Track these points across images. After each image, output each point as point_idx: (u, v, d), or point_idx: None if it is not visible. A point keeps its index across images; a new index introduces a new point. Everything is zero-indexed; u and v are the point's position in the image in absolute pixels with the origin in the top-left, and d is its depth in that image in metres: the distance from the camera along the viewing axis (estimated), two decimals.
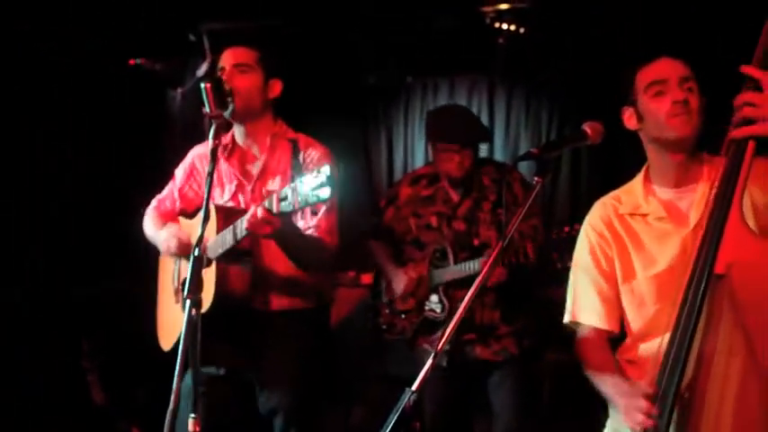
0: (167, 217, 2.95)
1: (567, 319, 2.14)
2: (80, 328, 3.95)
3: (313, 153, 2.70)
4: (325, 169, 2.05)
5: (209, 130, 2.43)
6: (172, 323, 2.82)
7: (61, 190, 4.06)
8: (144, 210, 3.00)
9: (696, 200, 1.98)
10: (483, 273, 1.90)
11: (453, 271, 3.18)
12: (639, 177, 2.10)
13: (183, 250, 2.71)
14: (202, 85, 2.47)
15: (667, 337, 1.76)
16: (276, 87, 2.76)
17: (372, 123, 5.78)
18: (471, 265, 3.13)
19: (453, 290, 3.21)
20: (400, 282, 3.35)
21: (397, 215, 3.41)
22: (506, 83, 5.40)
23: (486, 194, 3.30)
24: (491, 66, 5.17)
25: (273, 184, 2.73)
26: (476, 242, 3.20)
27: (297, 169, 2.62)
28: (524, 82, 5.34)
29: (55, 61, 3.94)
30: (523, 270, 3.03)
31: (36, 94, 3.93)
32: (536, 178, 1.85)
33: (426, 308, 3.29)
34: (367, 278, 4.47)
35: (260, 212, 2.30)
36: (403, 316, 3.35)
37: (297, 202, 2.13)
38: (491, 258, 1.91)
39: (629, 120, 2.06)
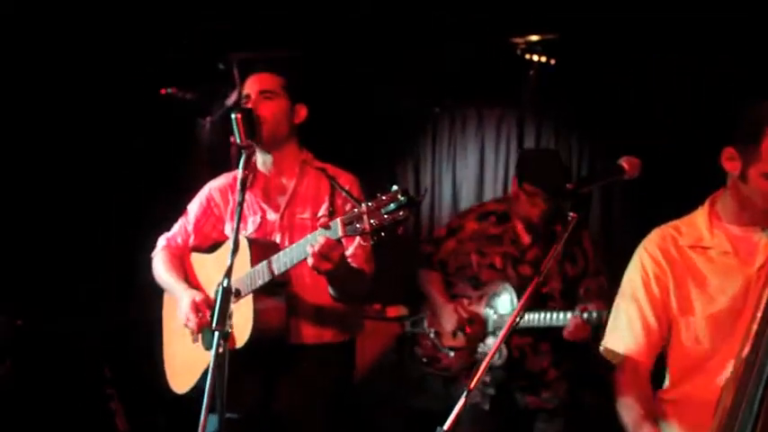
0: (179, 255, 2.89)
1: (611, 345, 2.07)
2: (103, 355, 4.04)
3: (344, 180, 2.68)
4: (399, 189, 2.04)
5: (239, 160, 2.51)
6: (189, 364, 2.75)
7: (87, 219, 4.14)
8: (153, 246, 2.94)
9: (765, 240, 1.94)
10: (516, 312, 1.86)
11: (545, 321, 3.12)
12: (704, 209, 2.05)
13: (201, 325, 2.63)
14: (233, 116, 2.57)
15: (722, 378, 1.73)
16: (302, 113, 2.77)
17: (398, 155, 5.75)
18: (541, 317, 3.09)
19: (514, 337, 3.15)
20: (450, 317, 3.29)
21: (458, 249, 3.38)
22: (536, 115, 5.38)
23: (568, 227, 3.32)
24: (521, 98, 5.17)
25: (304, 214, 2.71)
26: (542, 290, 3.15)
27: (332, 198, 2.62)
28: (554, 115, 5.32)
29: (86, 90, 4.05)
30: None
31: (64, 123, 4.04)
32: (571, 214, 1.85)
33: (480, 350, 3.25)
34: (393, 311, 4.47)
35: (323, 239, 2.26)
36: (451, 353, 3.30)
37: (368, 225, 2.09)
38: (525, 296, 1.88)
39: (728, 162, 1.96)
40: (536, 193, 3.19)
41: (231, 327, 2.44)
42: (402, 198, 2.04)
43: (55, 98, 3.93)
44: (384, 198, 2.08)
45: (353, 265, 2.61)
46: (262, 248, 2.60)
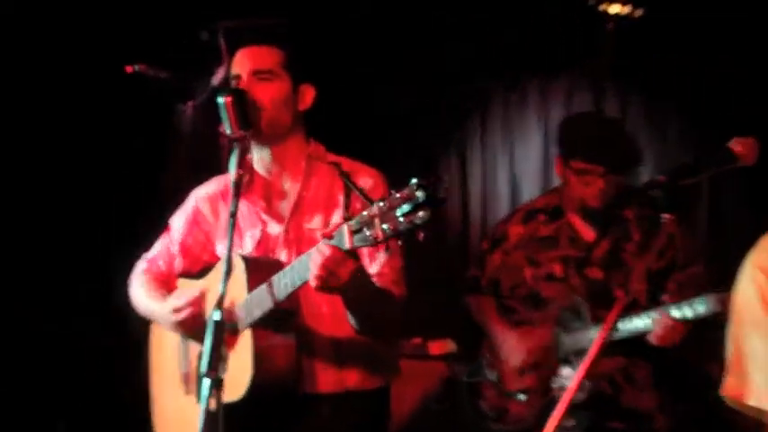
0: (163, 281, 2.95)
1: (754, 401, 2.06)
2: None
3: (363, 180, 2.68)
4: (416, 183, 2.04)
5: (229, 158, 2.53)
6: (182, 423, 2.81)
7: (33, 237, 4.25)
8: (129, 270, 3.01)
9: None
10: (602, 334, 1.84)
11: (594, 335, 2.99)
12: None
13: (198, 328, 2.65)
14: (220, 100, 2.58)
15: None
16: (307, 96, 2.81)
17: (440, 144, 5.73)
18: (625, 325, 3.05)
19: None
20: (515, 350, 3.31)
21: (506, 263, 3.41)
22: (618, 85, 5.30)
23: (629, 233, 3.25)
24: (596, 62, 5.03)
25: (313, 224, 2.75)
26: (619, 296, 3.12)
27: (348, 200, 2.58)
28: (642, 83, 5.21)
29: (35, 66, 4.11)
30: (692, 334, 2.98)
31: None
32: (665, 215, 1.77)
33: (554, 385, 3.24)
34: (437, 347, 4.50)
35: (328, 251, 2.28)
36: (521, 397, 3.29)
37: (380, 231, 2.11)
38: (610, 319, 1.86)
39: None
40: (588, 169, 3.20)
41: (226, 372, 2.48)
42: (419, 195, 2.03)
43: None
44: (398, 196, 2.09)
45: (380, 285, 2.63)
46: (262, 270, 2.61)
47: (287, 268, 2.51)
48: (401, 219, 2.06)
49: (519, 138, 5.57)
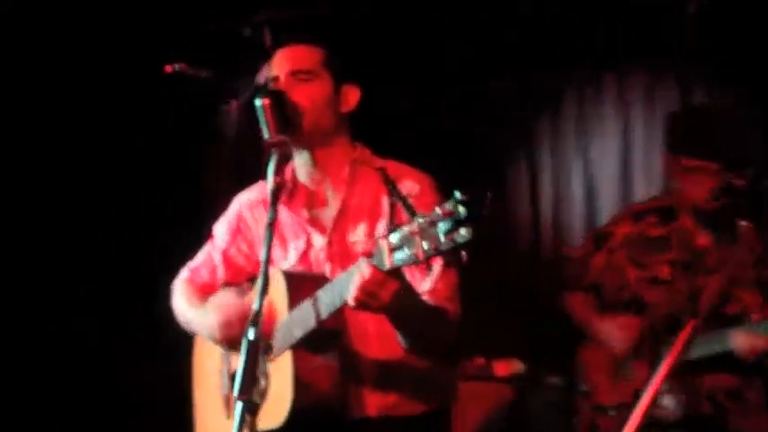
0: (206, 291, 3.00)
1: None
2: None
3: (410, 185, 2.70)
4: (458, 198, 2.03)
5: (269, 163, 2.56)
6: None
7: (67, 248, 4.37)
8: (171, 280, 3.09)
9: None
10: (673, 353, 1.81)
11: (699, 346, 2.92)
12: None
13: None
14: (258, 102, 2.64)
15: None
16: (351, 97, 2.84)
17: (506, 145, 5.69)
18: (733, 339, 3.04)
19: (695, 375, 3.12)
20: (620, 335, 3.33)
21: (610, 263, 3.41)
22: (705, 76, 5.18)
23: (743, 239, 3.23)
24: (680, 48, 4.85)
25: (357, 234, 2.78)
26: (729, 309, 3.14)
27: (405, 204, 2.51)
28: (732, 70, 5.02)
29: (73, 67, 4.23)
30: None
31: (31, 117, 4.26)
32: (742, 222, 1.78)
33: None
34: (502, 367, 4.48)
35: (367, 272, 2.30)
36: (612, 413, 3.29)
37: (420, 250, 2.11)
38: (679, 345, 1.83)
39: None
40: (700, 167, 3.18)
41: (263, 397, 2.55)
42: (461, 211, 2.02)
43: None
44: (440, 212, 2.07)
45: (431, 303, 2.62)
46: (305, 286, 2.64)
47: (328, 285, 2.53)
48: (442, 237, 2.06)
49: (595, 135, 5.50)
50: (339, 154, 2.86)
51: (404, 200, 2.39)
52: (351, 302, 2.36)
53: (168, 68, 3.75)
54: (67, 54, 4.31)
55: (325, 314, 2.49)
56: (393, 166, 2.76)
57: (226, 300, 2.83)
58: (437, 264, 2.54)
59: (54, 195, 4.43)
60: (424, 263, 2.14)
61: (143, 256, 4.24)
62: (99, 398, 4.37)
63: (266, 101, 2.64)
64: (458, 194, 2.03)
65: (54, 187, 4.35)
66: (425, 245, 2.09)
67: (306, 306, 2.55)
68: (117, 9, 4.22)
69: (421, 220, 2.10)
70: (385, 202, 2.69)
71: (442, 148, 4.76)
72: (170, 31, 4.24)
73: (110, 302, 4.36)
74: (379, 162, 2.80)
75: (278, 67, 2.82)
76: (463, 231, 2.01)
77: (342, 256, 2.78)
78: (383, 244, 2.23)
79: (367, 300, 2.33)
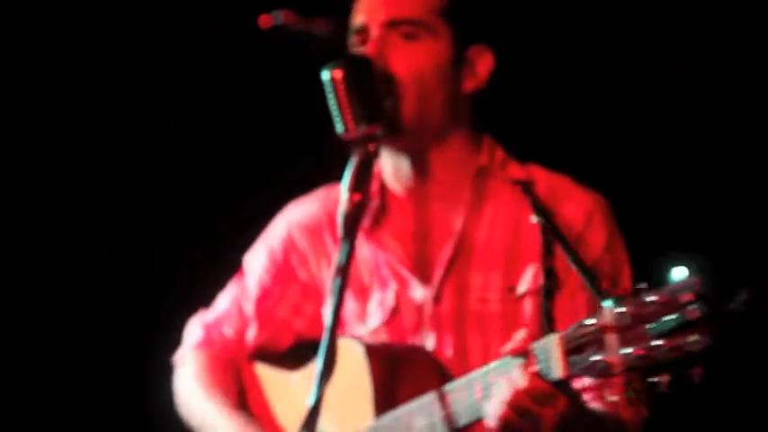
0: (230, 362, 2.57)
1: None
2: None
3: (571, 212, 2.27)
4: (689, 282, 1.66)
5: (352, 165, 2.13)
6: None
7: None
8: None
9: None
10: None
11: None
12: None
13: None
14: (326, 75, 2.21)
15: None
16: (481, 66, 2.35)
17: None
18: None
19: None
20: None
21: None
22: None
23: None
24: None
25: (491, 288, 2.30)
26: None
27: (572, 255, 2.12)
28: None
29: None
30: None
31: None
32: None
33: None
34: None
35: (522, 382, 1.91)
36: None
37: (615, 358, 1.73)
38: None
39: None
40: None
41: None
42: (694, 307, 1.62)
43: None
44: (655, 297, 1.68)
45: (601, 409, 2.22)
46: (401, 370, 2.22)
47: (461, 382, 2.08)
48: (657, 342, 1.66)
49: None
50: (456, 157, 2.37)
51: (565, 243, 2.03)
52: (491, 420, 1.98)
53: (264, 20, 2.94)
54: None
55: (459, 424, 2.10)
56: (544, 179, 2.33)
57: None
58: None
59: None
60: (623, 375, 1.77)
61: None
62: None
63: (339, 72, 2.16)
64: (685, 273, 1.66)
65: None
66: (628, 351, 1.71)
67: (408, 414, 2.15)
68: None
69: (619, 310, 1.73)
70: (533, 234, 2.19)
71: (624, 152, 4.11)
72: None
73: None
74: (521, 171, 2.36)
75: (367, 11, 2.34)
76: (696, 338, 1.64)
77: (458, 321, 2.30)
78: (551, 341, 1.86)
79: (517, 420, 1.93)
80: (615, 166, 2.89)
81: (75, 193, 4.03)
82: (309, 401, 1.89)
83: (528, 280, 2.27)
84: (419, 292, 2.34)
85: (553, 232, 2.07)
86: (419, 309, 2.34)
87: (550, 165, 2.43)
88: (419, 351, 2.29)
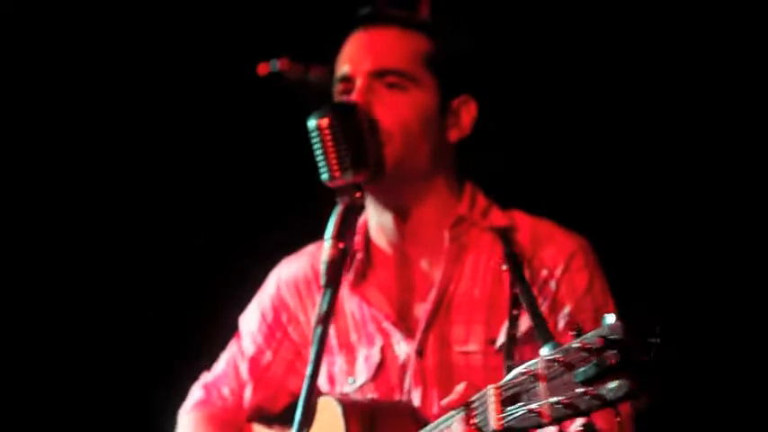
0: (228, 422, 2.53)
1: None
2: None
3: (550, 257, 2.26)
4: (609, 327, 1.58)
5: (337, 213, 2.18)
6: None
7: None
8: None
9: None
10: None
11: None
12: None
13: None
14: (312, 123, 2.21)
15: None
16: (465, 116, 2.34)
17: None
18: None
19: None
20: None
21: None
22: None
23: None
24: None
25: (470, 342, 2.27)
26: None
27: (529, 302, 2.06)
28: None
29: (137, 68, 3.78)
30: None
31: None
32: None
33: None
34: None
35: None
36: None
37: (545, 409, 1.67)
38: None
39: None
40: None
41: None
42: (609, 354, 1.56)
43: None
44: (579, 344, 1.60)
45: None
46: (378, 425, 2.15)
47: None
48: (580, 390, 1.60)
49: None
50: (437, 208, 2.34)
51: (527, 292, 2.00)
52: None
53: (262, 68, 3.07)
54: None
55: None
56: (527, 224, 2.30)
57: None
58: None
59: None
60: (553, 426, 1.67)
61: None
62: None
63: (325, 120, 2.16)
64: (609, 320, 1.58)
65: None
66: (554, 400, 1.65)
67: None
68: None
69: (550, 357, 1.67)
70: (509, 287, 2.15)
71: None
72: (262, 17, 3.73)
73: None
74: (503, 217, 2.33)
75: (352, 60, 2.32)
76: (614, 385, 1.56)
77: (441, 375, 2.27)
78: (489, 392, 1.77)
79: None
80: (601, 208, 2.84)
81: (83, 250, 3.91)
82: None
83: (506, 331, 2.20)
84: (403, 347, 2.31)
85: (517, 279, 2.03)
86: (404, 364, 2.31)
87: (536, 210, 2.39)
88: (401, 406, 2.26)
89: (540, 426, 1.68)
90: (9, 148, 3.76)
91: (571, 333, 1.64)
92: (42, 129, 3.80)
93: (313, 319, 2.36)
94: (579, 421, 1.82)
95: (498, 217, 2.32)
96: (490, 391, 1.75)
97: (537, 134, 3.55)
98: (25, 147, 3.81)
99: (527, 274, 2.18)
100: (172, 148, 3.90)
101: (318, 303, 2.15)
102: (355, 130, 2.18)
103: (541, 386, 1.66)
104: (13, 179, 3.79)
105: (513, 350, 2.02)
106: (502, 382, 1.75)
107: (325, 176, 2.16)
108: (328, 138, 2.15)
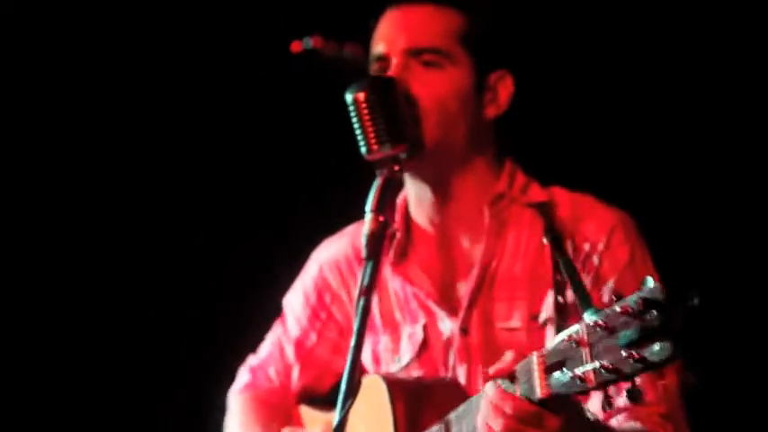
0: (276, 404, 2.52)
1: None
2: None
3: (591, 233, 2.22)
4: (647, 294, 1.57)
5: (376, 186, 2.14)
6: None
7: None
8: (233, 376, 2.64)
9: None
10: None
11: None
12: None
13: None
14: (349, 97, 2.21)
15: None
16: (502, 92, 2.32)
17: None
18: None
19: None
20: None
21: None
22: None
23: None
24: None
25: (514, 317, 2.25)
26: None
27: (570, 273, 2.11)
28: None
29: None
30: None
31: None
32: None
33: None
34: None
35: (502, 403, 1.80)
36: None
37: (590, 373, 1.65)
38: None
39: None
40: None
41: None
42: (651, 316, 1.55)
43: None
44: (617, 309, 1.60)
45: (634, 424, 2.12)
46: (425, 404, 2.16)
47: (459, 409, 1.99)
48: (623, 354, 1.60)
49: None
50: (477, 185, 2.33)
51: (568, 265, 2.04)
52: None
53: (295, 46, 2.92)
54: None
55: None
56: (567, 200, 2.29)
57: None
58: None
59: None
60: (598, 390, 1.67)
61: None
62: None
63: (363, 94, 2.15)
64: (649, 285, 1.58)
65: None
66: (597, 365, 1.64)
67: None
68: None
69: (592, 321, 1.65)
70: (550, 262, 2.21)
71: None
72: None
73: None
74: (542, 193, 2.32)
75: (387, 39, 2.31)
76: (657, 347, 1.56)
77: (486, 351, 2.25)
78: (532, 360, 1.77)
79: None
80: (640, 182, 2.83)
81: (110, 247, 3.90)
82: (334, 423, 1.90)
83: (549, 306, 2.22)
84: (447, 325, 2.30)
85: (558, 252, 2.04)
86: (448, 341, 2.30)
87: (575, 185, 2.37)
88: (447, 384, 2.26)
89: (585, 391, 1.67)
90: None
91: (613, 298, 1.64)
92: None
93: (355, 296, 2.34)
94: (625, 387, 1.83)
95: (538, 193, 2.30)
96: (533, 358, 1.76)
97: (576, 108, 3.56)
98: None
99: (568, 248, 2.19)
100: (220, 122, 3.77)
101: (360, 278, 2.15)
102: (392, 104, 2.18)
103: (584, 352, 1.66)
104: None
105: (562, 322, 2.02)
106: (545, 350, 1.75)
107: (363, 149, 2.16)
108: (365, 111, 2.15)
